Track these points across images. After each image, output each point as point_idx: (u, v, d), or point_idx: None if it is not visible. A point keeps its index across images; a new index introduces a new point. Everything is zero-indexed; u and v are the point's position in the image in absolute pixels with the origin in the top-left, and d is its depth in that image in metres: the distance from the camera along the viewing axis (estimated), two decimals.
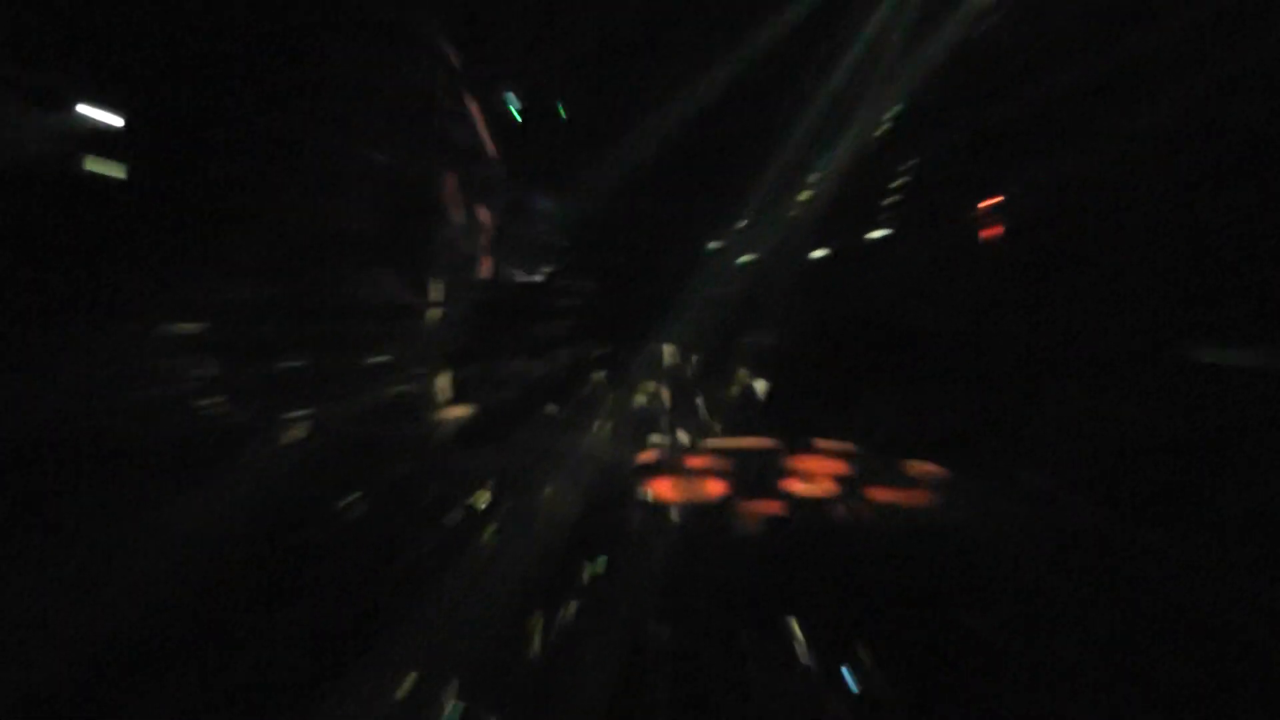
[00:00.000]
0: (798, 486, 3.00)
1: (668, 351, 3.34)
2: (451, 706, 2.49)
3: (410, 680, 2.44)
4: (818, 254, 3.10)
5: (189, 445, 2.56)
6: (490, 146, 2.91)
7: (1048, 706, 2.71)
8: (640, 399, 3.28)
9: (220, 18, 2.55)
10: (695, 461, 3.14)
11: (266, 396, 2.66)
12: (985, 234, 2.91)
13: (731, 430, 3.18)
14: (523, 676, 2.66)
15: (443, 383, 3.06)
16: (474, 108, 2.83)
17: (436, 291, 2.90)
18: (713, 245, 3.12)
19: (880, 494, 2.91)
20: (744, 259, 3.06)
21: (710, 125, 3.04)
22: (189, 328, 2.61)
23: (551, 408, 3.17)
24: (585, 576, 2.88)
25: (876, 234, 3.04)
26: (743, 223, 3.06)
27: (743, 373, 3.15)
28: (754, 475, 2.99)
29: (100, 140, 2.74)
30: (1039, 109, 2.97)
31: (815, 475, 3.00)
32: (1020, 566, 2.90)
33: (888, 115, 2.93)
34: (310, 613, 2.26)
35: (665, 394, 3.31)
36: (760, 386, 3.14)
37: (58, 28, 2.76)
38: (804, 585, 2.88)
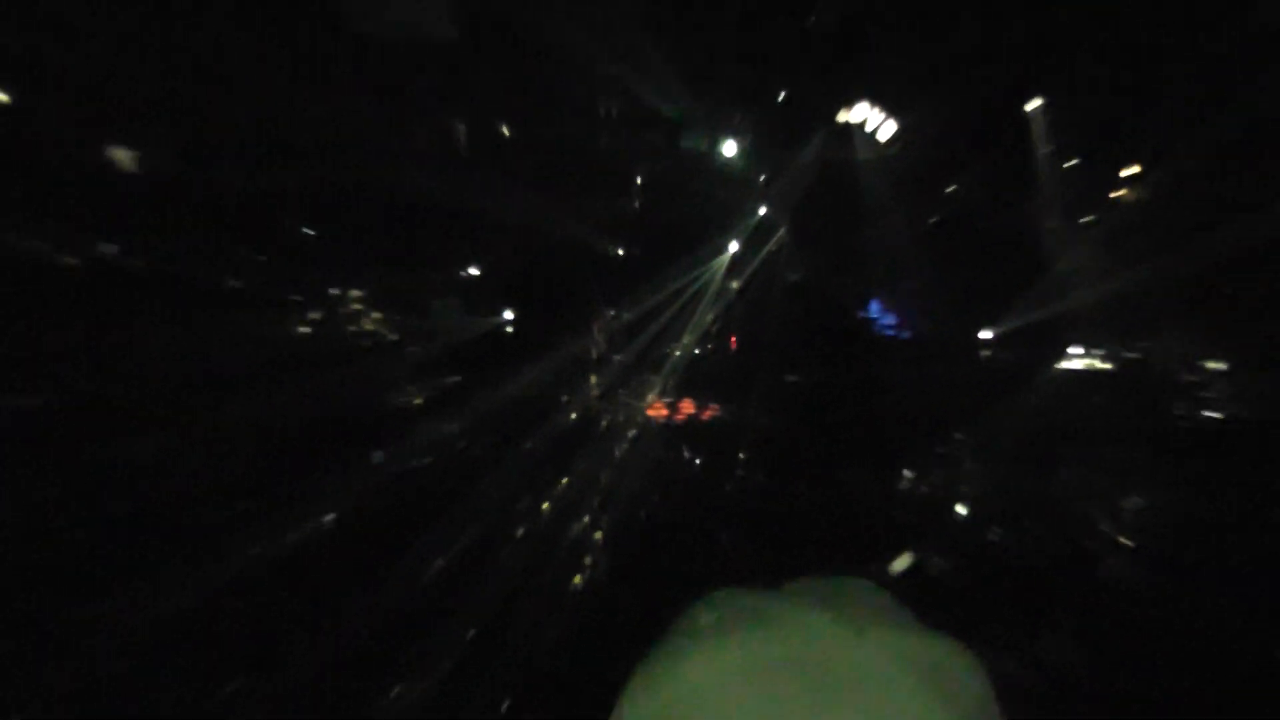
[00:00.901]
0: (685, 412, 10.40)
1: (652, 380, 10.72)
2: (605, 474, 9.89)
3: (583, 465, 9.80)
4: (696, 351, 10.51)
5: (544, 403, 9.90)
6: (608, 318, 10.19)
7: (763, 476, 10.09)
8: (646, 394, 10.75)
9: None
10: (660, 405, 10.51)
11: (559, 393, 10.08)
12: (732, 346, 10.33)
13: (666, 398, 10.63)
14: (618, 462, 10.03)
15: (594, 380, 10.40)
16: (608, 314, 10.09)
17: (596, 355, 10.25)
18: (669, 348, 10.44)
19: (707, 413, 10.29)
20: (675, 354, 10.45)
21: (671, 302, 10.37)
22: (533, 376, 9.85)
23: (623, 392, 10.50)
24: (630, 436, 10.30)
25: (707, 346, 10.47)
26: (675, 343, 10.42)
27: (671, 386, 10.59)
28: (672, 409, 10.38)
29: (507, 321, 10.07)
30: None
31: (690, 409, 10.35)
32: (755, 433, 10.22)
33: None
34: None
35: (652, 392, 10.72)
36: (673, 388, 10.64)
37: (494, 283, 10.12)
38: (689, 437, 10.25)
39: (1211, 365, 9.38)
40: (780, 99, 9.41)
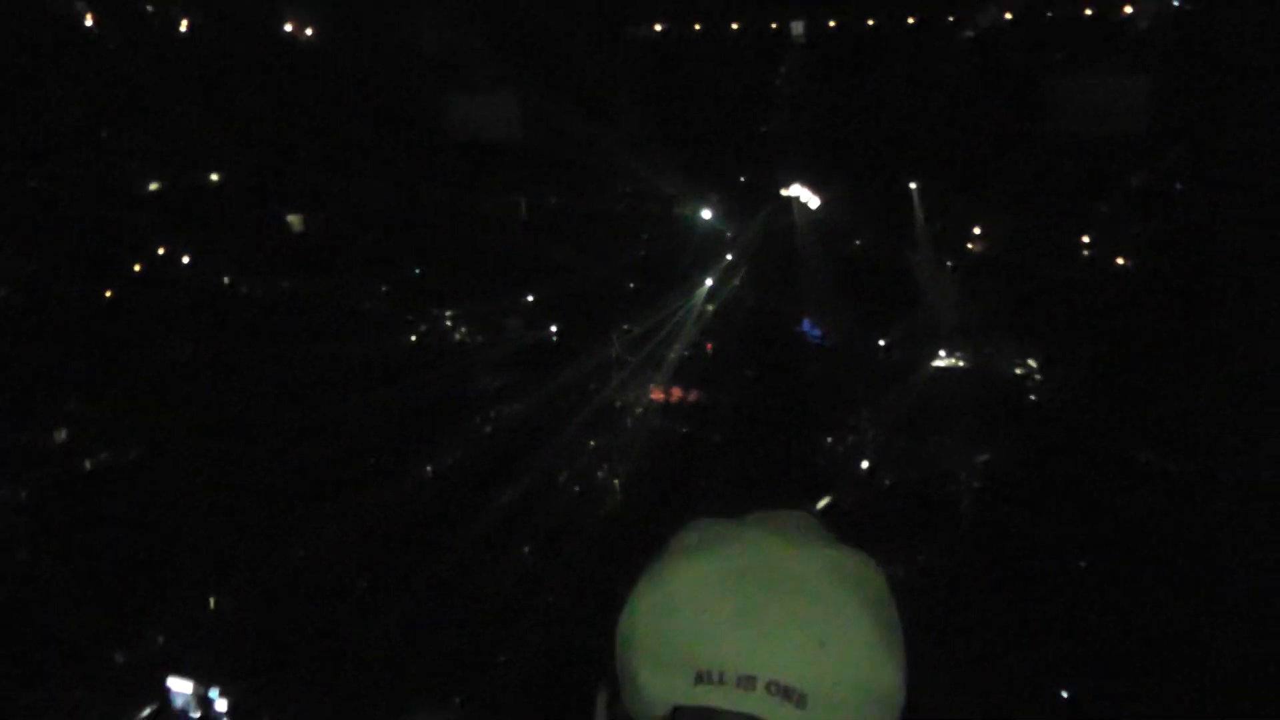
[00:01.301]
0: (676, 396, 14.72)
1: (653, 374, 14.90)
2: (621, 437, 14.26)
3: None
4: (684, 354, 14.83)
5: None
6: (623, 331, 14.40)
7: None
8: (649, 383, 15.02)
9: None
10: (658, 391, 14.76)
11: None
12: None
13: (663, 386, 14.92)
14: (629, 429, 14.40)
15: (613, 374, 14.66)
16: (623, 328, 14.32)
17: (615, 357, 14.47)
18: (665, 352, 14.71)
19: (691, 396, 14.64)
20: (670, 356, 14.73)
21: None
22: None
23: (633, 382, 14.73)
24: (638, 413, 14.66)
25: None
26: (669, 349, 14.71)
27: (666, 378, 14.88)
28: (667, 394, 14.68)
29: (554, 333, 14.38)
30: None
31: (679, 394, 14.66)
32: (723, 410, 14.56)
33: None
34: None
35: (653, 382, 15.00)
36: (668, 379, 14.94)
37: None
38: (679, 413, 14.61)
39: (1030, 363, 13.92)
40: (741, 181, 13.93)
